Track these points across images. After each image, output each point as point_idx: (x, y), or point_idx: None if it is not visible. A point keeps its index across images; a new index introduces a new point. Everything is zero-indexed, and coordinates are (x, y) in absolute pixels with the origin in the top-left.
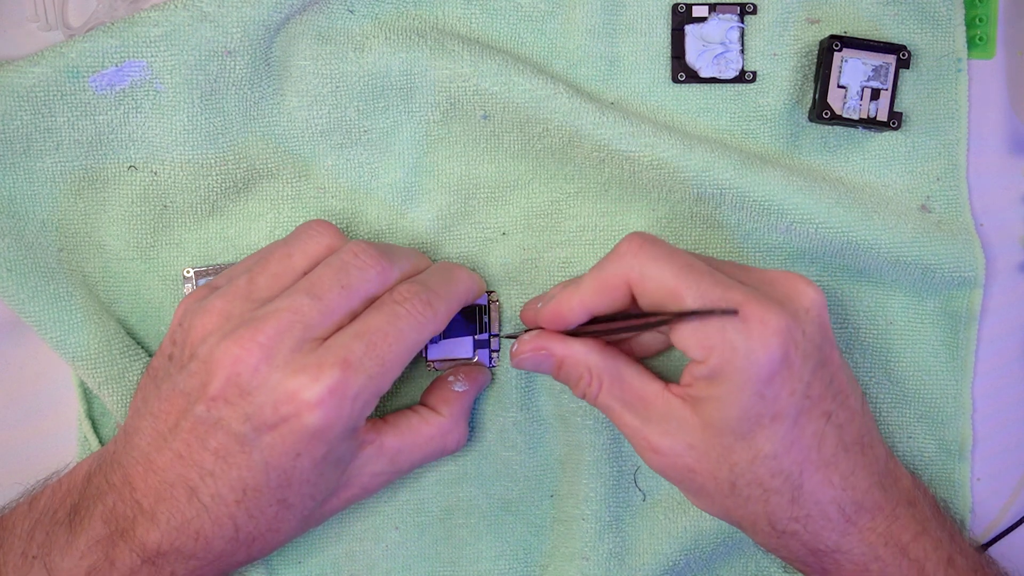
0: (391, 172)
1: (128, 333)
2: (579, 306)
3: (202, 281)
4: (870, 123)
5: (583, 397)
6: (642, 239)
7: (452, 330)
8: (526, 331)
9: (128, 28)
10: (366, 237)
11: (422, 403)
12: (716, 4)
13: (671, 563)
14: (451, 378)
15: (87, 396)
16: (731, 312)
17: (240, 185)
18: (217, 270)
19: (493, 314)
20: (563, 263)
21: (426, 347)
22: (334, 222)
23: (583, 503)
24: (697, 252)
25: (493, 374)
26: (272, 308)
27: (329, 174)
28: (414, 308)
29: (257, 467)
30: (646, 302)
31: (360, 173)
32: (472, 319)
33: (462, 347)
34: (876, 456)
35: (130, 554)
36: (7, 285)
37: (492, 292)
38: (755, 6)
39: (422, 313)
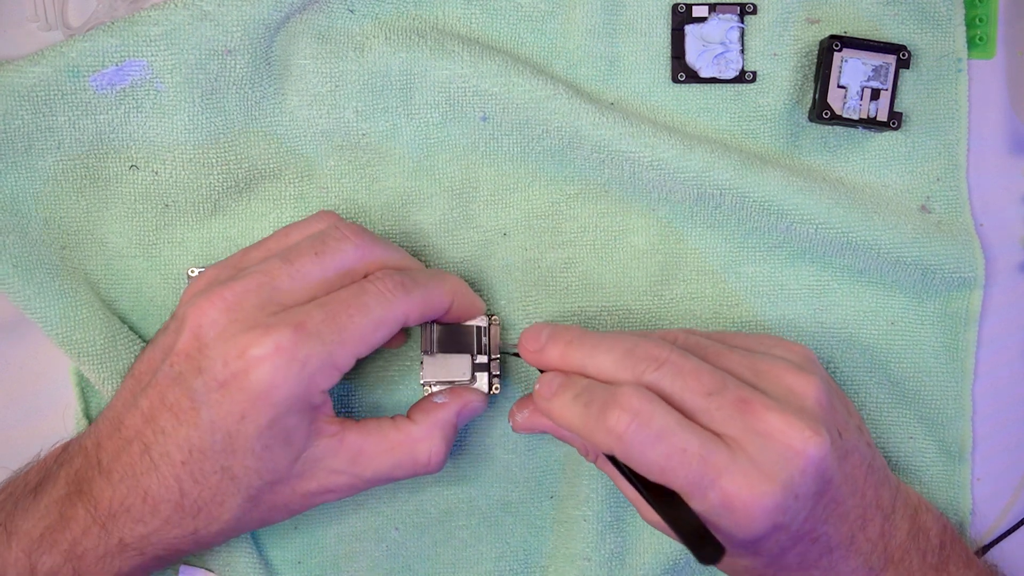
0: (392, 175)
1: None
2: (563, 424)
3: None
4: (870, 123)
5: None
6: (631, 418)
7: (449, 348)
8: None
9: (128, 27)
10: None
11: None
12: (716, 4)
13: (672, 562)
14: (436, 391)
15: (85, 395)
16: (719, 551)
17: (242, 185)
18: None
19: (493, 337)
20: (564, 264)
21: (421, 366)
22: None
23: (584, 504)
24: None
25: (492, 396)
26: (247, 271)
27: (332, 175)
28: (384, 286)
29: (204, 426)
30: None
31: (361, 175)
32: (470, 343)
33: (459, 367)
34: (868, 536)
35: (84, 513)
36: (12, 281)
37: (493, 316)
38: (755, 6)
39: (392, 291)
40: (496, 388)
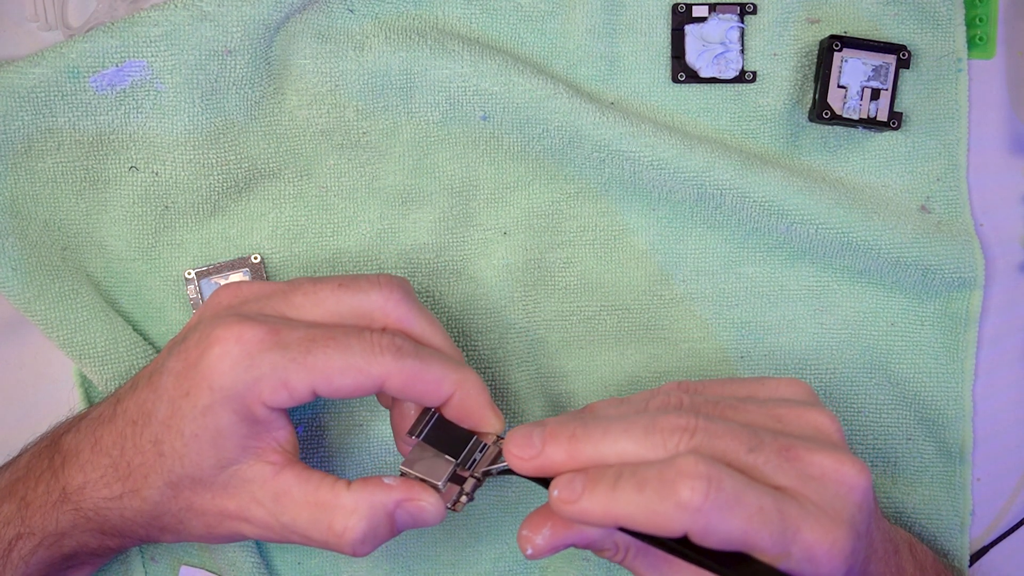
0: (392, 173)
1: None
2: (609, 519)
3: (204, 281)
4: (870, 123)
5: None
6: (705, 485)
7: (440, 446)
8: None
9: (128, 28)
10: (367, 238)
11: None
12: (716, 4)
13: None
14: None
15: (89, 396)
16: None
17: (242, 185)
18: (219, 269)
19: (487, 457)
20: (564, 263)
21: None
22: (336, 222)
23: None
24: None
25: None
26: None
27: (331, 173)
28: (378, 340)
29: (158, 391)
30: (702, 543)
31: (361, 173)
32: (460, 450)
33: (437, 468)
34: (892, 572)
35: (47, 463)
36: (12, 284)
37: (501, 438)
38: (755, 6)
39: (383, 348)
40: (460, 506)
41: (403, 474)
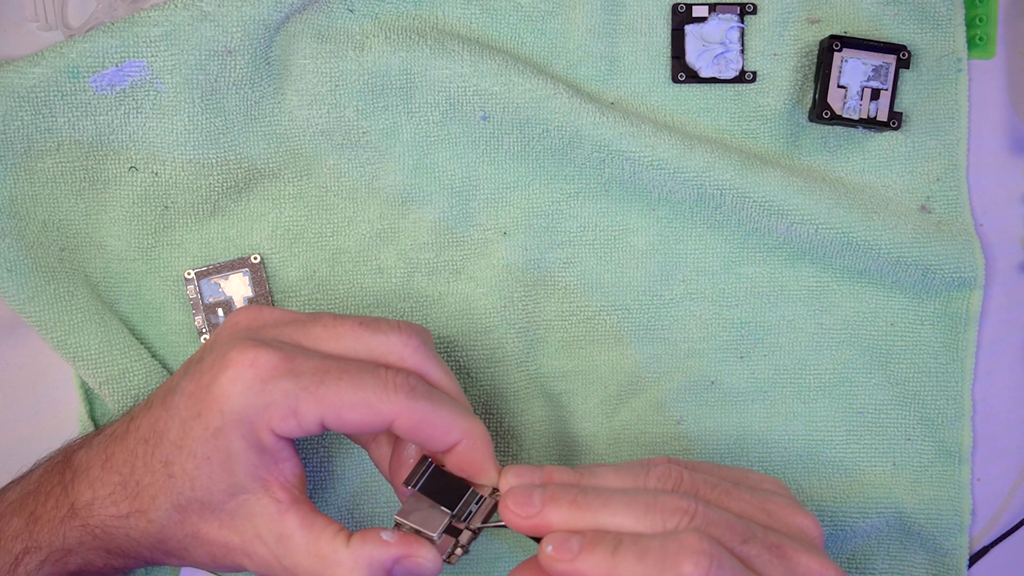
0: (392, 173)
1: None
2: None
3: (203, 281)
4: (870, 123)
5: None
6: (709, 561)
7: (436, 497)
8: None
9: (128, 28)
10: (367, 237)
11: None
12: (716, 4)
13: None
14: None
15: (89, 397)
16: None
17: (241, 185)
18: (219, 269)
19: (482, 510)
20: (564, 263)
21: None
22: (335, 221)
23: None
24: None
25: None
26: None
27: (331, 173)
28: (392, 378)
29: (170, 410)
30: None
31: (361, 173)
32: (456, 502)
33: (433, 520)
34: None
35: (57, 479)
36: (7, 285)
37: (497, 491)
38: (755, 6)
39: (396, 386)
40: (455, 558)
41: (397, 524)
